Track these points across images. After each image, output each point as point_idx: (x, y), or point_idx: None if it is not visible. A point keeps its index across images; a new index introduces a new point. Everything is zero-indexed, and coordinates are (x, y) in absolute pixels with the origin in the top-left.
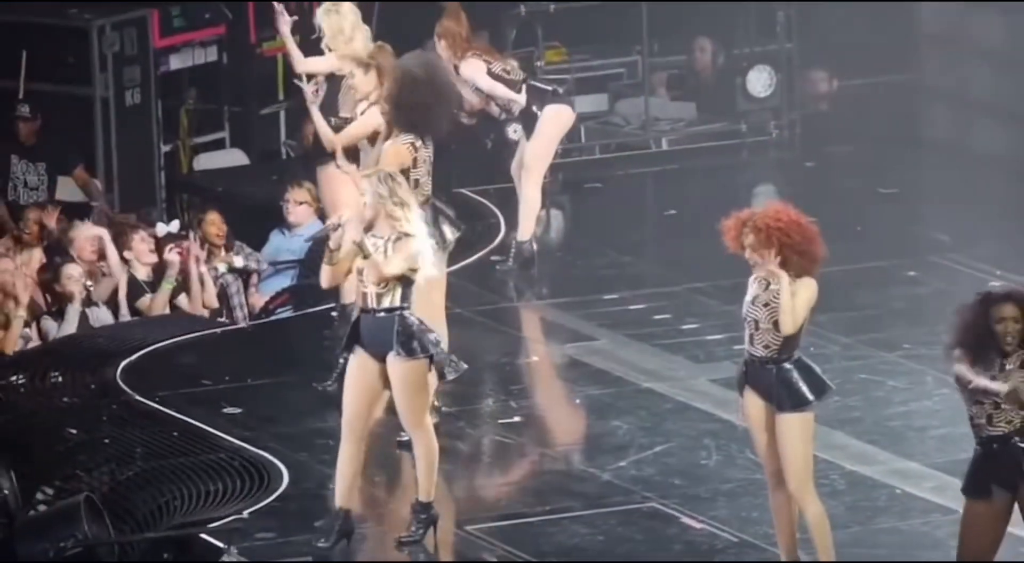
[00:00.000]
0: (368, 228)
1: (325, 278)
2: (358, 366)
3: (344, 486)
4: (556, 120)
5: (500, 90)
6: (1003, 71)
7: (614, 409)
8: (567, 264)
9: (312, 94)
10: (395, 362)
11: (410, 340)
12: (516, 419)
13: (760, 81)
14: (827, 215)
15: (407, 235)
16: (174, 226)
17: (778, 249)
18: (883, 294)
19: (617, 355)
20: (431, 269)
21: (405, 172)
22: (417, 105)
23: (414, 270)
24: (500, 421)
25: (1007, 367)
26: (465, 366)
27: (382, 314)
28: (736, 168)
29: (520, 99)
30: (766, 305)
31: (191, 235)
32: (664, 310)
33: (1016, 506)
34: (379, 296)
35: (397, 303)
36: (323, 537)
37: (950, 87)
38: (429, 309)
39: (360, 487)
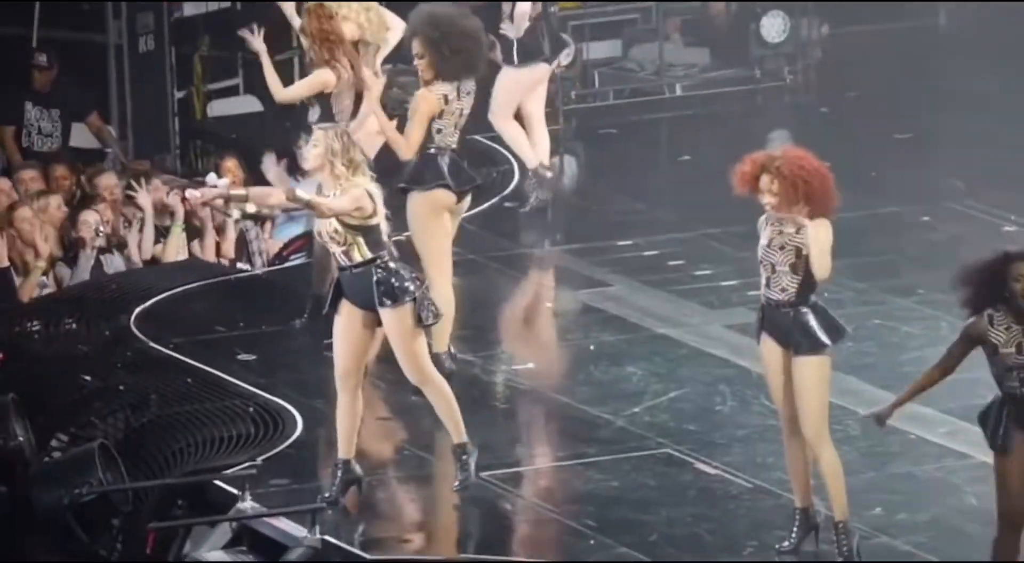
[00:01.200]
0: (319, 188)
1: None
2: (345, 319)
3: (344, 438)
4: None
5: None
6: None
7: (628, 355)
8: (581, 210)
9: (261, 44)
10: (384, 313)
11: (391, 289)
12: (530, 365)
13: (774, 27)
14: (841, 161)
15: (347, 186)
16: (223, 183)
17: (805, 198)
18: (897, 240)
19: (631, 301)
20: (382, 207)
21: (430, 121)
22: (460, 51)
23: (365, 216)
24: (514, 367)
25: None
26: (442, 313)
27: (358, 269)
28: (750, 114)
29: None
30: (782, 248)
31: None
32: (678, 256)
33: None
34: (346, 253)
35: (368, 254)
36: (326, 490)
37: (966, 33)
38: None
39: (376, 434)
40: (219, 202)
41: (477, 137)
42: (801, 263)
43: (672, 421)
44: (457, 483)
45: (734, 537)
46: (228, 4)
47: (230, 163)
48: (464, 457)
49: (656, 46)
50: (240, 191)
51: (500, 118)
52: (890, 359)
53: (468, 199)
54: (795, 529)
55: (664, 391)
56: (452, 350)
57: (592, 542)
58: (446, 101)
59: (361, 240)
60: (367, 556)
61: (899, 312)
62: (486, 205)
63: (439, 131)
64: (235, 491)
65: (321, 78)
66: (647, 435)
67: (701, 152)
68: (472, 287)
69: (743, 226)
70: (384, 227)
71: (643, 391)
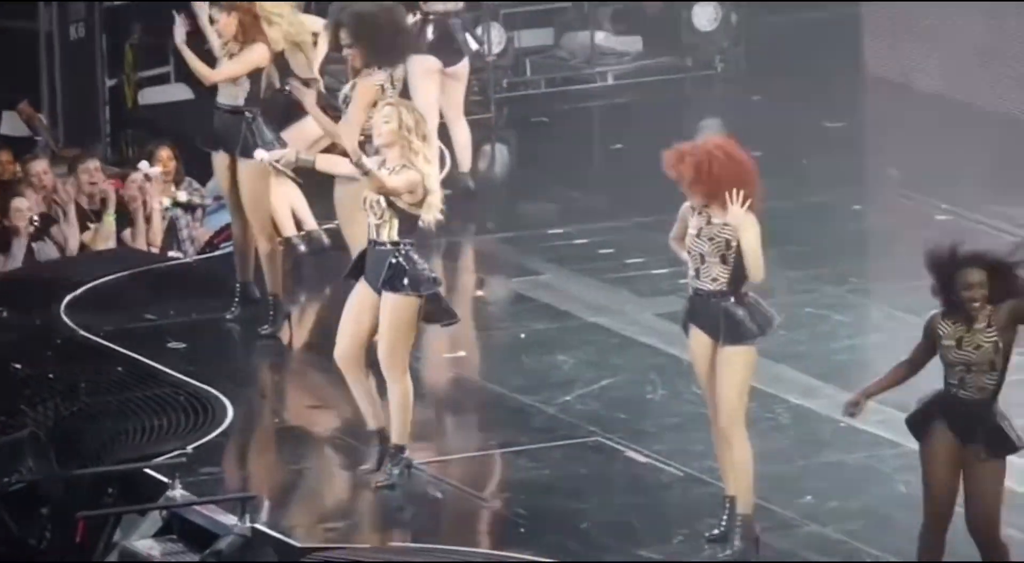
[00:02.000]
0: (383, 162)
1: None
2: (357, 295)
3: (368, 410)
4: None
5: None
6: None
7: (560, 343)
8: (512, 198)
9: (184, 29)
10: (384, 297)
11: (399, 276)
12: (461, 354)
13: (705, 15)
14: (773, 149)
15: (413, 167)
16: (155, 171)
17: (714, 185)
18: (829, 228)
19: (562, 289)
20: (436, 213)
21: (369, 109)
22: (387, 38)
23: (413, 202)
24: (445, 355)
25: (976, 327)
26: (458, 318)
27: (380, 248)
28: (682, 102)
29: None
30: (711, 239)
31: (145, 170)
32: (609, 244)
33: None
34: (378, 227)
35: (395, 237)
36: (366, 462)
37: (894, 20)
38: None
39: (305, 421)
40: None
41: None
42: (731, 254)
43: (603, 409)
44: (382, 479)
45: (665, 525)
46: None
47: (164, 152)
48: (397, 458)
49: (588, 34)
50: (309, 157)
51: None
52: (821, 348)
53: None
54: (725, 517)
55: (595, 379)
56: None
57: (523, 530)
58: (383, 90)
59: (396, 222)
60: (297, 544)
61: (830, 301)
62: None
63: (370, 119)
64: (165, 479)
65: (257, 53)
66: (578, 423)
67: (633, 141)
68: None
69: (675, 215)
70: (428, 220)
71: (574, 379)
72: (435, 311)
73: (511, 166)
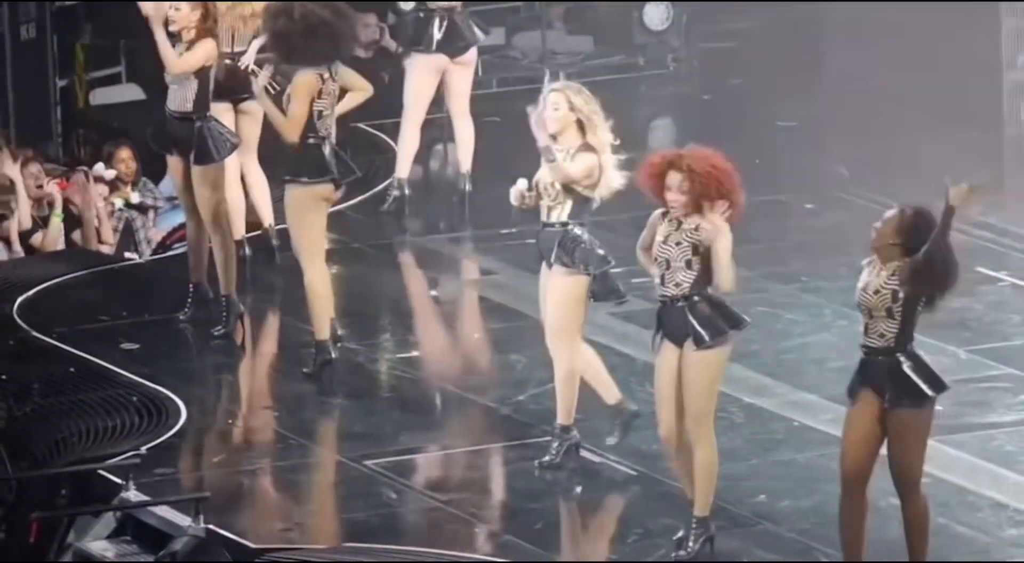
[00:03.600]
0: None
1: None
2: (542, 277)
3: (603, 384)
4: (413, 72)
5: None
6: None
7: (513, 343)
8: (466, 198)
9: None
10: (554, 272)
11: (567, 253)
12: (414, 353)
13: (657, 14)
14: (726, 148)
15: (590, 149)
16: (110, 173)
17: (717, 197)
18: (781, 227)
19: (516, 289)
20: (615, 182)
21: (311, 102)
22: (335, 36)
23: (588, 185)
24: (398, 355)
25: (883, 273)
26: (627, 297)
27: (549, 228)
28: (634, 101)
29: None
30: (678, 244)
31: (87, 172)
32: None
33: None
34: (550, 209)
35: (564, 218)
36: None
37: (845, 19)
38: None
39: (259, 422)
40: (106, 191)
41: (361, 125)
42: (697, 259)
43: (556, 409)
44: (547, 459)
45: (619, 525)
46: None
47: (124, 152)
48: (563, 438)
49: (539, 34)
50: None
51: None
52: (773, 346)
53: (343, 189)
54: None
55: (549, 379)
56: (339, 336)
57: (476, 530)
58: (322, 79)
59: (569, 204)
60: (251, 545)
61: (782, 299)
62: (369, 193)
63: (320, 115)
64: (119, 480)
65: (208, 47)
66: (532, 423)
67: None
68: (356, 276)
69: (627, 214)
70: (604, 195)
71: (528, 379)
72: (603, 290)
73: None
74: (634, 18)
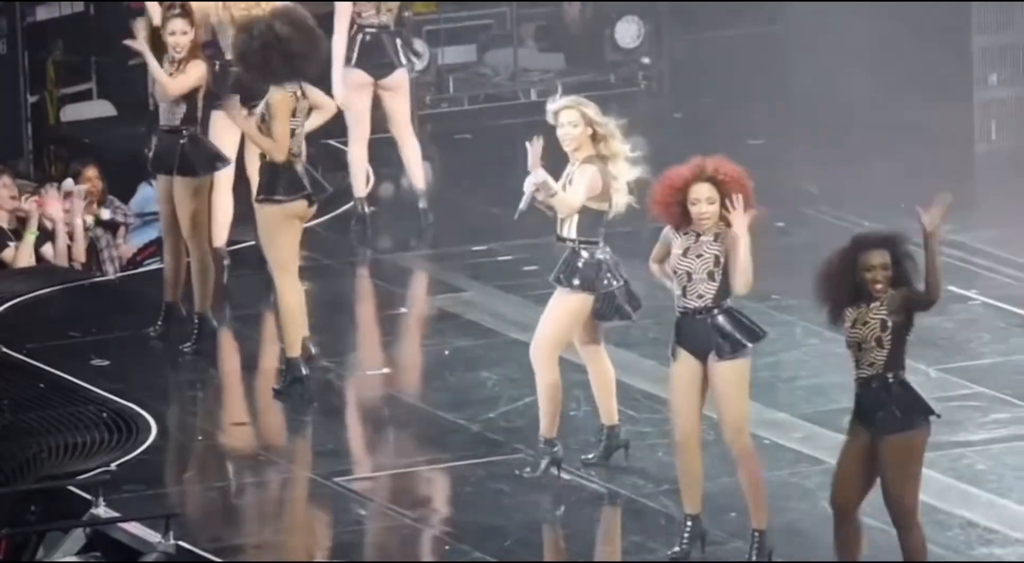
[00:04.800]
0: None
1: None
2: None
3: (603, 404)
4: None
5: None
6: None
7: (483, 360)
8: (436, 215)
9: (142, 45)
10: (557, 290)
11: (573, 272)
12: (385, 370)
13: (628, 32)
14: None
15: (590, 161)
16: (79, 189)
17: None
18: (752, 245)
19: (486, 306)
20: (623, 201)
21: (291, 116)
22: (293, 54)
23: (597, 198)
24: (368, 372)
25: (872, 305)
26: (632, 316)
27: (562, 243)
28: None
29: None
30: (699, 257)
31: (58, 187)
32: (533, 261)
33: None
34: (561, 222)
35: (574, 235)
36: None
37: (815, 37)
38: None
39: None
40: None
41: (330, 141)
42: (718, 270)
43: (527, 426)
44: (528, 470)
45: (589, 542)
46: (81, 8)
47: (90, 171)
48: (546, 451)
49: (511, 51)
50: (554, 185)
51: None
52: None
53: (315, 206)
54: (686, 536)
55: (519, 396)
56: (313, 354)
57: (447, 547)
58: (296, 98)
59: (576, 217)
60: (220, 561)
61: (753, 317)
62: (340, 210)
63: (292, 133)
64: (89, 497)
65: (200, 68)
66: (502, 440)
67: (556, 158)
68: (327, 292)
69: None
70: (617, 207)
71: (498, 396)
72: (607, 310)
73: (434, 183)
74: (605, 35)
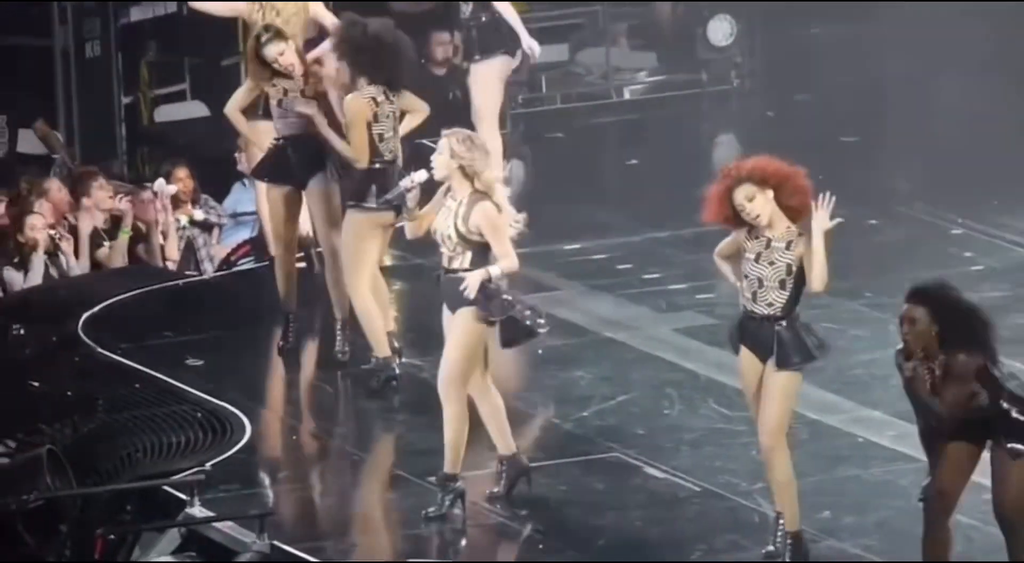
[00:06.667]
0: (446, 190)
1: (409, 231)
2: (449, 322)
3: (499, 436)
4: (488, 71)
5: None
6: (965, 20)
7: (577, 359)
8: (529, 214)
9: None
10: (456, 316)
11: (479, 296)
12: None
13: (721, 30)
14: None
15: (483, 196)
16: (170, 188)
17: (782, 193)
18: (845, 243)
19: (580, 305)
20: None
21: (369, 126)
22: (400, 59)
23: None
24: None
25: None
26: (537, 333)
27: (450, 275)
28: (697, 118)
29: None
30: (772, 264)
31: (154, 188)
32: (626, 260)
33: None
34: (450, 259)
35: (467, 265)
36: (431, 505)
37: (909, 35)
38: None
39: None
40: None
41: (425, 141)
42: (790, 279)
43: (621, 425)
44: (432, 510)
45: (682, 541)
46: (174, 9)
47: (181, 171)
48: (449, 487)
49: (603, 50)
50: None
51: (487, 123)
52: (838, 363)
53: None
54: (778, 534)
55: (612, 395)
56: (397, 348)
57: (541, 547)
58: (375, 103)
59: (469, 254)
60: (315, 561)
61: (847, 315)
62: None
63: (381, 137)
64: (184, 496)
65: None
66: (596, 439)
67: (648, 156)
68: (420, 292)
69: (691, 229)
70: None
71: (591, 395)
72: (511, 336)
73: (527, 182)
74: (698, 34)
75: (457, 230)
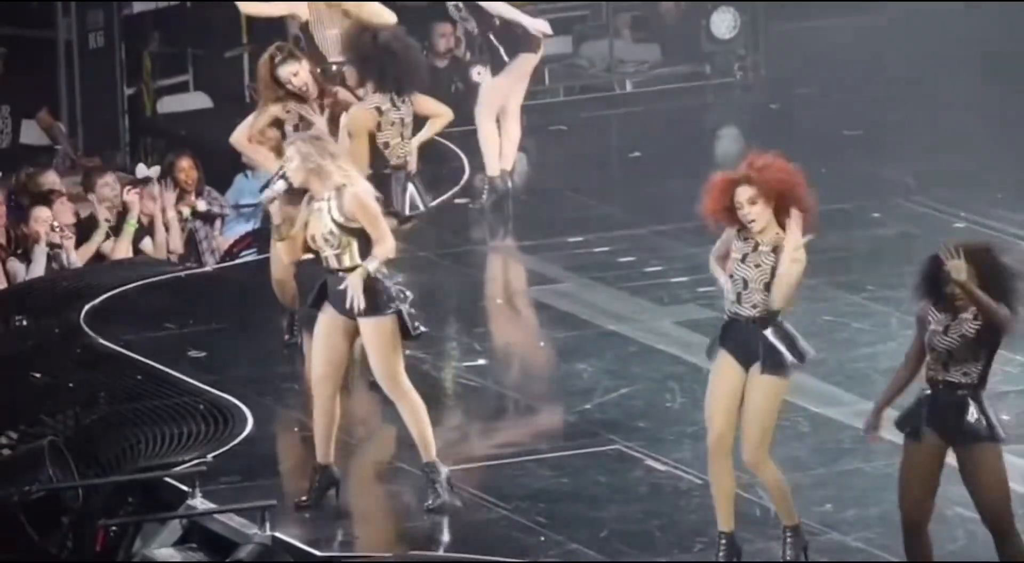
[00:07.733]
0: (309, 199)
1: (285, 254)
2: (325, 324)
3: (322, 442)
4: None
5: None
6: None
7: (579, 352)
8: (532, 207)
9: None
10: (362, 323)
11: (373, 299)
12: (480, 362)
13: (724, 23)
14: (791, 157)
15: (343, 187)
16: (154, 171)
17: (784, 201)
18: (847, 236)
19: (581, 298)
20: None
21: (371, 136)
22: (412, 67)
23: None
24: (464, 363)
25: (960, 317)
26: (420, 329)
27: (343, 273)
28: (700, 110)
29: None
30: (757, 266)
31: (157, 180)
32: (628, 253)
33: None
34: (338, 257)
35: (357, 261)
36: (303, 494)
37: (915, 29)
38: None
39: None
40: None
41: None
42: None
43: (622, 417)
44: (429, 502)
45: (684, 533)
46: (177, 1)
47: (185, 162)
48: (433, 476)
49: (606, 42)
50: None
51: (483, 116)
52: (840, 355)
53: (411, 223)
54: (721, 555)
55: (614, 387)
56: None
57: (542, 538)
58: (379, 112)
59: (355, 244)
60: (317, 553)
61: (849, 308)
62: (437, 201)
63: (386, 145)
64: (185, 488)
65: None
66: (597, 431)
67: (651, 149)
68: (422, 284)
69: (693, 222)
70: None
71: (593, 387)
72: (404, 328)
73: (530, 175)
74: (701, 26)
75: (335, 222)
